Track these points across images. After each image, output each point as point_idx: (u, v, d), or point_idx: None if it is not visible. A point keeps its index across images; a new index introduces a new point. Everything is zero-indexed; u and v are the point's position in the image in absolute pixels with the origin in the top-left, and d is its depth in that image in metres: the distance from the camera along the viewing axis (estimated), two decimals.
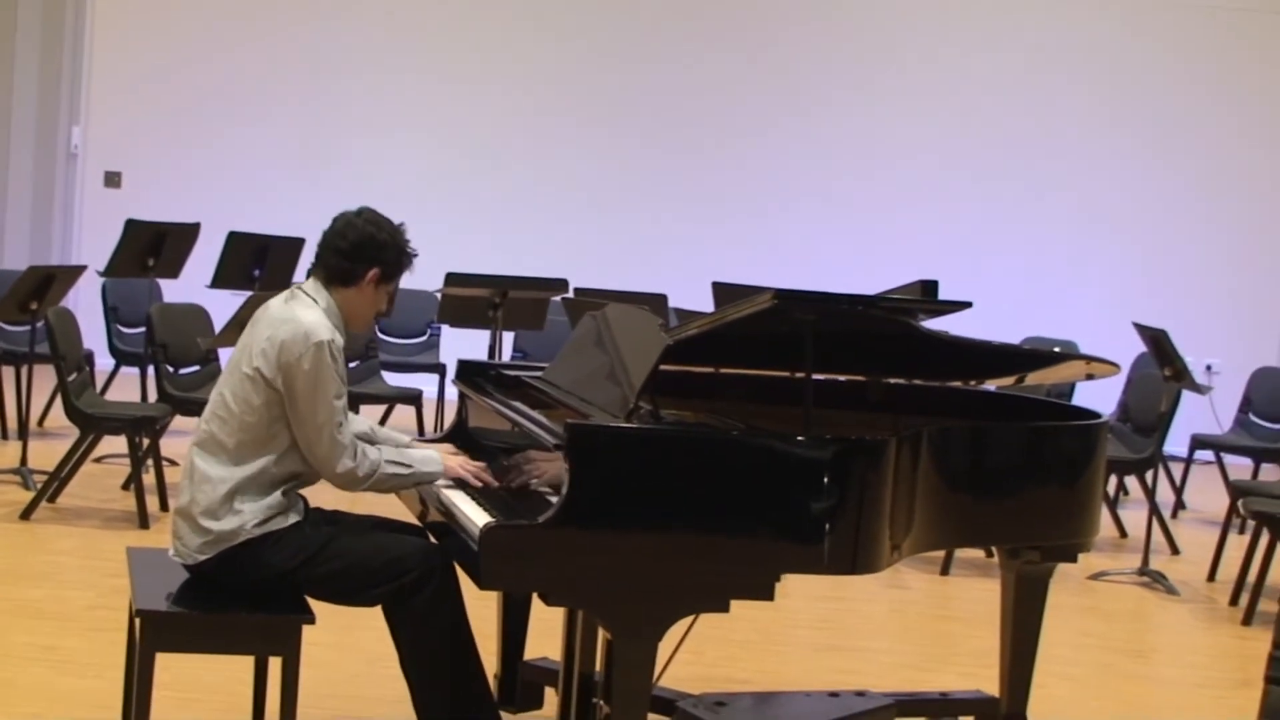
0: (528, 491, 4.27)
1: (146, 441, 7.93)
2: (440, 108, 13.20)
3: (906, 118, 13.06)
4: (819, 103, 13.13)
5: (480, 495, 4.31)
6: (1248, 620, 7.39)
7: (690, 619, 3.99)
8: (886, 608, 7.38)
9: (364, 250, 4.35)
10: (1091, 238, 13.00)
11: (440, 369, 10.58)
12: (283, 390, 4.20)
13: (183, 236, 9.33)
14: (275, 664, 4.24)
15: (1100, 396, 7.94)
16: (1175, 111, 12.98)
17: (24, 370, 8.98)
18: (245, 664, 4.72)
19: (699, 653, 5.40)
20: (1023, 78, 13.03)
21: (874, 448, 3.93)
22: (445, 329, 10.44)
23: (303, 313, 4.28)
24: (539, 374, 4.87)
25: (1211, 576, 8.25)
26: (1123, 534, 9.21)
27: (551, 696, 4.81)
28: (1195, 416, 10.41)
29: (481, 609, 4.58)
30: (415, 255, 4.46)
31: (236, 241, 9.48)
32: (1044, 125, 12.99)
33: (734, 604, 3.86)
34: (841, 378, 5.05)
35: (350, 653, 5.56)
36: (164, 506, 7.74)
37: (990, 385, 5.26)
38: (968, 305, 4.35)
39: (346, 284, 4.37)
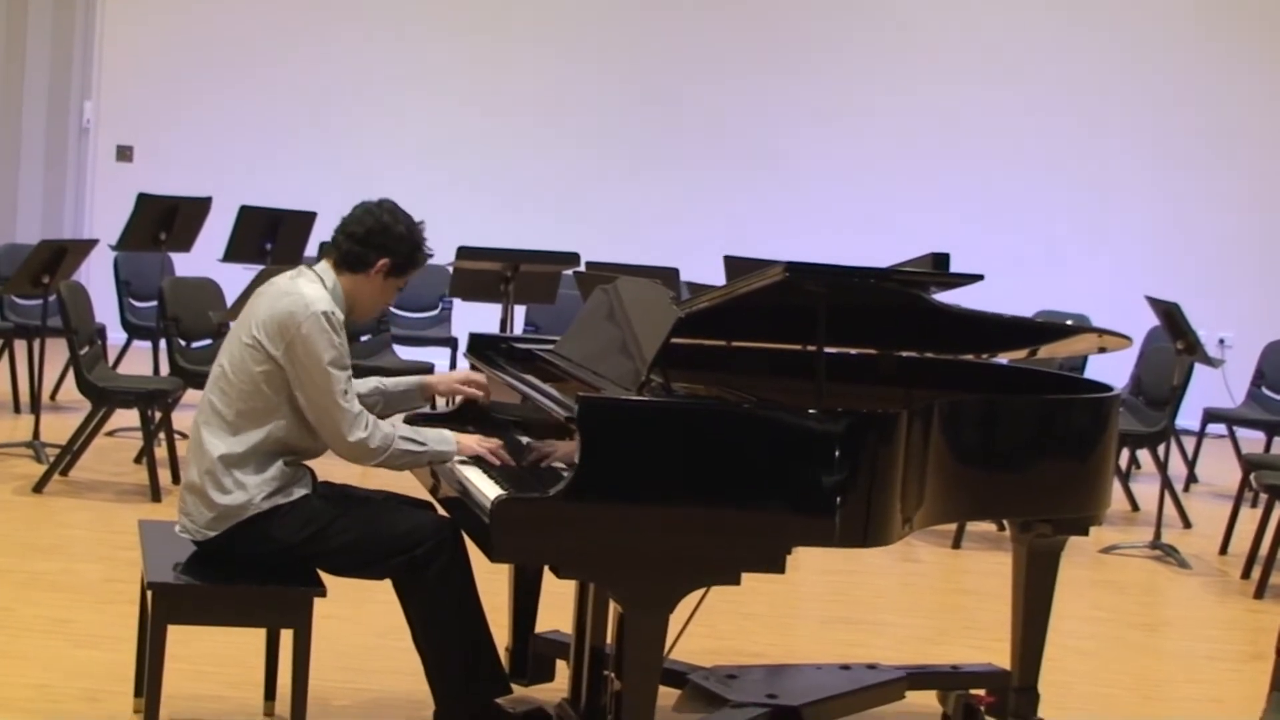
0: (540, 465, 4.27)
1: (158, 415, 7.95)
2: (452, 83, 13.16)
3: (918, 89, 13.00)
4: (830, 76, 13.08)
5: (493, 469, 4.31)
6: (1259, 594, 7.38)
7: (701, 592, 4.00)
8: (898, 581, 7.39)
9: (378, 239, 4.37)
10: (1104, 211, 12.95)
11: (452, 342, 10.59)
12: (285, 363, 4.21)
13: (195, 210, 9.33)
14: (287, 636, 4.26)
15: (1112, 370, 7.92)
16: (1189, 83, 12.91)
17: (36, 344, 8.98)
18: (257, 636, 4.73)
19: (710, 626, 5.40)
20: (1036, 48, 12.96)
21: (886, 421, 3.93)
22: (457, 302, 10.45)
23: (306, 287, 4.30)
24: (550, 347, 4.87)
25: (1223, 550, 8.24)
26: (1134, 507, 9.21)
27: (563, 669, 4.82)
28: (1208, 390, 10.38)
29: (493, 582, 4.59)
30: (430, 255, 4.51)
31: (248, 215, 9.49)
32: (1058, 96, 12.93)
33: (745, 577, 3.87)
34: (853, 351, 5.04)
35: (362, 625, 5.57)
36: (175, 480, 7.76)
37: (1002, 358, 5.26)
38: (980, 278, 4.35)
39: (355, 270, 4.38)
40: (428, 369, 9.56)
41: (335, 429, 4.21)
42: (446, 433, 4.42)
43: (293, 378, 4.22)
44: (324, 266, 4.41)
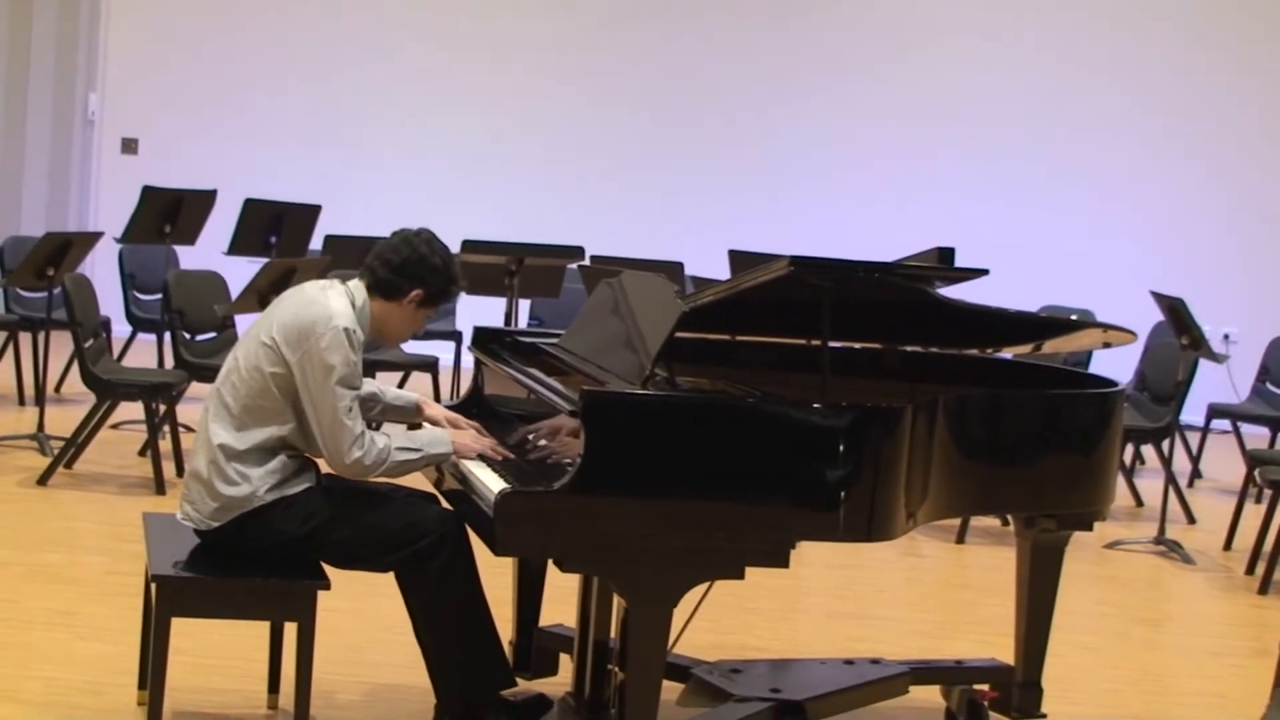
0: (547, 460, 4.27)
1: (163, 408, 7.95)
2: (457, 76, 13.16)
3: (923, 84, 13.00)
4: (836, 70, 13.09)
5: (496, 462, 4.31)
6: (1264, 589, 7.38)
7: (705, 586, 4.00)
8: (902, 576, 7.39)
9: (414, 269, 4.37)
10: (1109, 205, 12.94)
11: (456, 336, 10.58)
12: (297, 370, 4.21)
13: (199, 203, 9.33)
14: (291, 629, 4.26)
15: (1117, 365, 7.93)
16: (1194, 77, 12.90)
17: (41, 336, 8.99)
18: (261, 629, 4.73)
19: (714, 620, 5.40)
20: (1040, 45, 12.96)
21: (890, 415, 3.93)
22: (461, 296, 10.42)
23: (334, 300, 4.30)
24: (555, 341, 4.87)
25: (1227, 545, 8.24)
26: (1139, 503, 9.20)
27: (566, 663, 4.82)
28: (1212, 385, 10.38)
29: (497, 576, 4.59)
30: (463, 289, 4.51)
31: (253, 208, 9.48)
32: (1061, 92, 12.92)
33: (749, 571, 3.87)
34: (858, 345, 5.04)
35: (365, 619, 5.58)
36: (180, 472, 7.75)
37: (1007, 353, 5.25)
38: (984, 272, 4.34)
39: (389, 297, 4.39)
40: (432, 363, 9.59)
41: (335, 445, 4.22)
42: (442, 434, 4.42)
43: (301, 386, 4.22)
44: (357, 285, 4.40)
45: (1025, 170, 12.96)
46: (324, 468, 4.43)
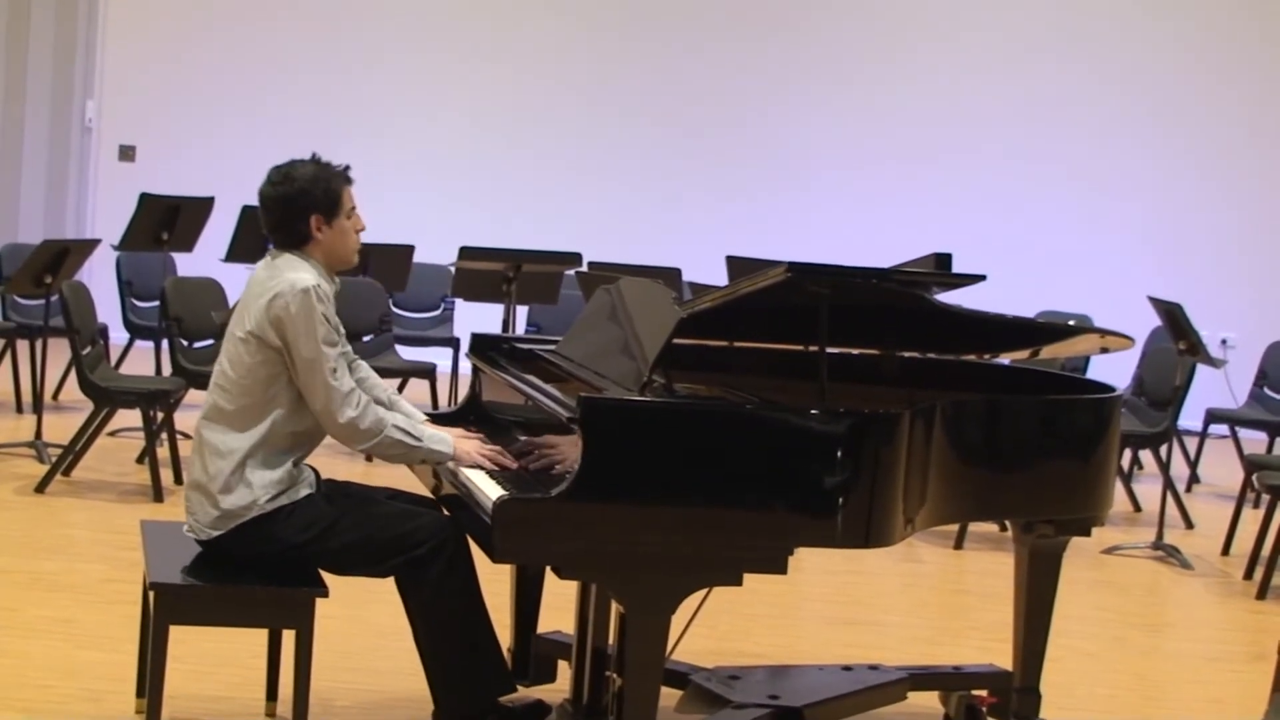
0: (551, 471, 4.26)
1: (160, 415, 7.95)
2: (456, 83, 13.17)
3: (920, 93, 13.00)
4: (833, 77, 13.09)
5: (495, 469, 4.30)
6: (1262, 594, 7.38)
7: (703, 592, 4.00)
8: (900, 581, 7.38)
9: (290, 210, 4.37)
10: (1107, 211, 12.94)
11: (454, 343, 10.58)
12: (280, 346, 4.21)
13: (197, 210, 9.33)
14: (289, 637, 4.25)
15: (1115, 370, 7.92)
16: (1191, 82, 12.90)
17: (38, 344, 8.98)
18: (259, 637, 4.73)
19: (712, 626, 5.40)
20: (1037, 49, 12.96)
21: (888, 421, 3.93)
22: (459, 303, 10.45)
23: (288, 271, 4.28)
24: (552, 347, 4.87)
25: (1225, 551, 8.24)
26: (1137, 508, 9.20)
27: (565, 669, 4.82)
28: (1210, 390, 10.37)
29: (495, 582, 4.59)
30: (345, 169, 4.47)
31: (250, 215, 9.47)
32: (1059, 97, 12.92)
33: (747, 578, 3.87)
34: (855, 351, 5.04)
35: (364, 625, 5.57)
36: (178, 480, 7.75)
37: (1005, 359, 5.26)
38: (982, 278, 4.34)
39: (306, 240, 4.37)
40: (429, 369, 9.58)
41: (326, 407, 4.21)
42: (446, 435, 4.40)
43: (288, 359, 4.22)
44: (288, 255, 4.37)
45: (1022, 175, 12.95)
46: (324, 473, 4.43)
